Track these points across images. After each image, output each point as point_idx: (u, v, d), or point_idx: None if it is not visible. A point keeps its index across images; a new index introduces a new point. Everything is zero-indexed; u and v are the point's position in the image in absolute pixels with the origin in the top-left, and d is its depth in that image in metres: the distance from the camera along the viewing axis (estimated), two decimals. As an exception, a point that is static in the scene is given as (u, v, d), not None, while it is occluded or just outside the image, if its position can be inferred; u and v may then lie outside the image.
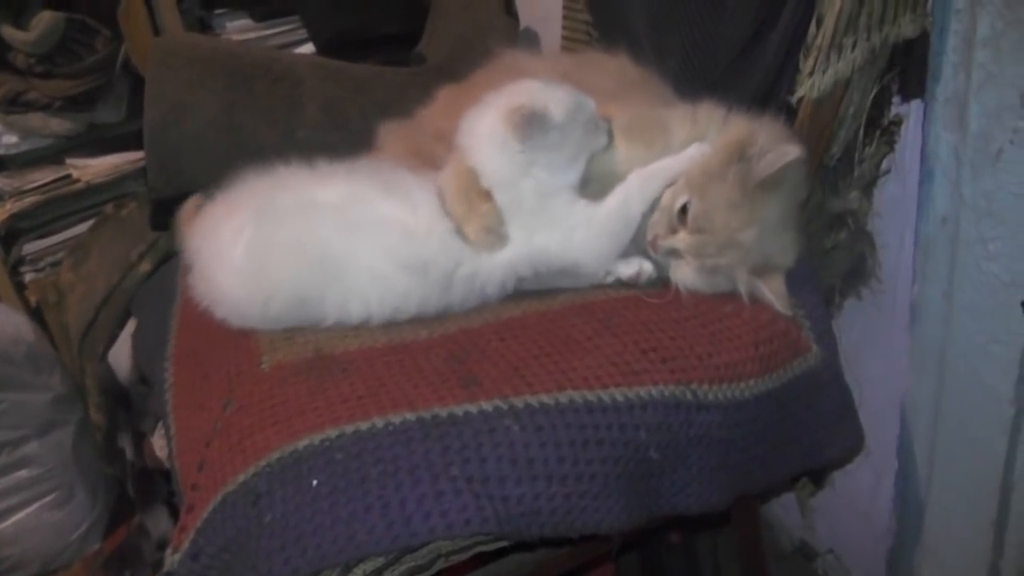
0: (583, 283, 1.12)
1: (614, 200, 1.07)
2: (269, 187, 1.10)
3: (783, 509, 1.67)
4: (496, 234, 1.05)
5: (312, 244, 1.05)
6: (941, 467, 1.23)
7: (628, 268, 1.10)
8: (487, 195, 1.05)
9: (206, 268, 1.10)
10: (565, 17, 1.65)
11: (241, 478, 0.90)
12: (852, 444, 1.16)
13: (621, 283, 1.11)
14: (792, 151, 0.99)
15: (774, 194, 1.03)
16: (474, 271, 1.07)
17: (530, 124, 1.01)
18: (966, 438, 1.17)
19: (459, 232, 1.06)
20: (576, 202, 1.07)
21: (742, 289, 1.06)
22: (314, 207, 1.07)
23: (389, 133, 1.33)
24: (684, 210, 1.05)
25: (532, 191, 1.05)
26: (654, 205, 1.08)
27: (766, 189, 1.02)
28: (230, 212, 1.09)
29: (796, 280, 1.10)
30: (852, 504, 1.48)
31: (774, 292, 1.05)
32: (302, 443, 0.90)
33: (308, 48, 2.10)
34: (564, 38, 1.66)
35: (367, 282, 1.05)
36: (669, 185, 1.07)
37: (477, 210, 1.05)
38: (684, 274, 1.07)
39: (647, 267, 1.10)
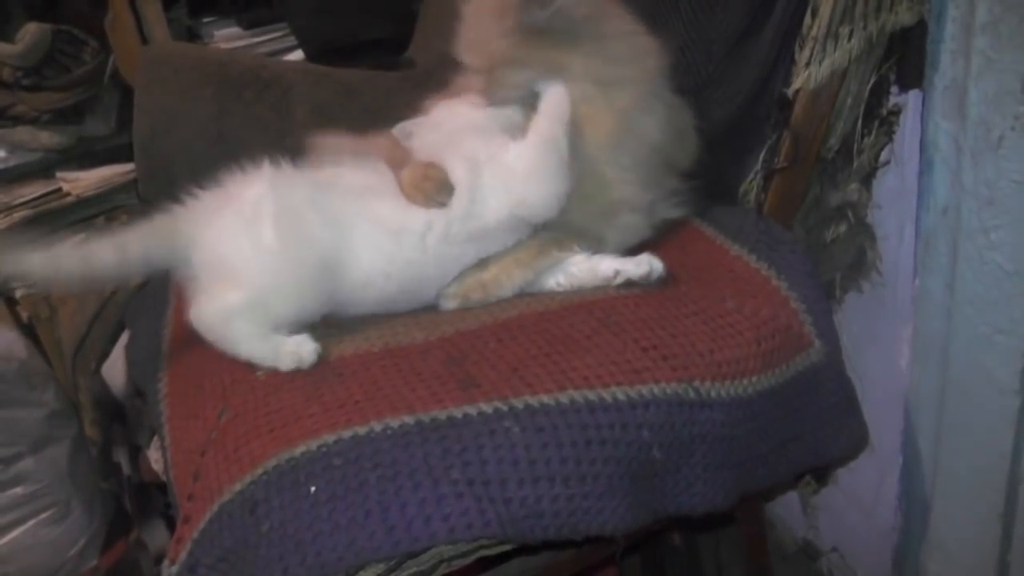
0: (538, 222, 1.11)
1: (532, 129, 1.08)
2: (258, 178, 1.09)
3: (786, 508, 1.66)
4: (440, 182, 1.06)
5: (326, 205, 1.06)
6: (946, 461, 1.22)
7: (638, 267, 1.09)
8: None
9: (228, 255, 1.04)
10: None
11: (237, 487, 0.89)
12: (856, 440, 1.15)
13: (630, 283, 1.09)
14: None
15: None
16: (442, 230, 1.07)
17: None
18: (971, 431, 1.16)
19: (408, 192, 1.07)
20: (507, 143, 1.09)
21: None
22: (311, 178, 1.09)
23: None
24: None
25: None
26: None
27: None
28: (231, 201, 1.07)
29: (797, 274, 1.09)
30: (856, 501, 1.47)
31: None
32: (299, 450, 0.89)
33: (297, 55, 2.09)
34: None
35: (366, 245, 1.06)
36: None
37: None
38: None
39: (657, 265, 1.09)
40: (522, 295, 1.10)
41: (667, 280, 1.10)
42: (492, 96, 1.10)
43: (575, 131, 1.07)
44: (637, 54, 1.10)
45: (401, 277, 1.07)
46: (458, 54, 1.13)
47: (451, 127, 1.12)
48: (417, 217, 1.06)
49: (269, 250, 1.02)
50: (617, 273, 1.09)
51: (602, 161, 1.09)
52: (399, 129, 1.14)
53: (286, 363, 1.00)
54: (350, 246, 1.04)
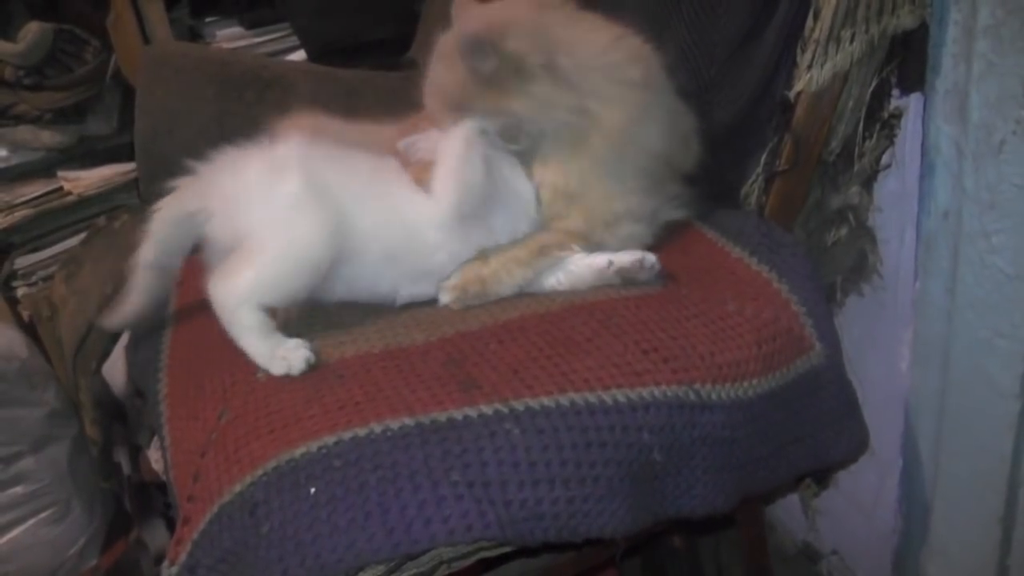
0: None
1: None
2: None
3: (786, 511, 1.65)
4: None
5: (346, 172, 1.08)
6: (946, 464, 1.22)
7: (631, 256, 1.09)
8: None
9: (247, 211, 1.04)
10: (557, 18, 1.63)
11: (237, 488, 0.89)
12: (857, 443, 1.15)
13: (628, 278, 1.10)
14: None
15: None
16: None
17: None
18: (971, 434, 1.16)
19: None
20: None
21: None
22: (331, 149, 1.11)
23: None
24: None
25: None
26: None
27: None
28: (251, 161, 1.07)
29: (798, 277, 1.09)
30: (856, 504, 1.47)
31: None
32: (299, 451, 0.88)
33: (299, 55, 2.09)
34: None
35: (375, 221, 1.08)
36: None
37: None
38: None
39: (650, 256, 1.09)
40: (522, 296, 1.10)
41: (661, 274, 1.10)
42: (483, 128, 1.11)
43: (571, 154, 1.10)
44: (620, 68, 1.10)
45: (403, 260, 1.09)
46: (423, 97, 1.15)
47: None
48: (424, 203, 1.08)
49: (290, 203, 1.02)
50: (610, 263, 1.10)
51: (604, 175, 1.10)
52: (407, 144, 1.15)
53: (277, 367, 1.00)
54: (362, 219, 1.06)
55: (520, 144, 1.11)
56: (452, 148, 1.08)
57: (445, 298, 1.10)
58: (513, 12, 1.10)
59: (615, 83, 1.09)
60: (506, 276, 1.09)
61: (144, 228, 1.08)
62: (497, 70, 1.05)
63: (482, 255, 1.10)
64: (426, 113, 1.16)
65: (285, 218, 1.03)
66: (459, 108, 1.09)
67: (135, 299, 1.11)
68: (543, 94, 1.06)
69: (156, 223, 1.07)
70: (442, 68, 1.12)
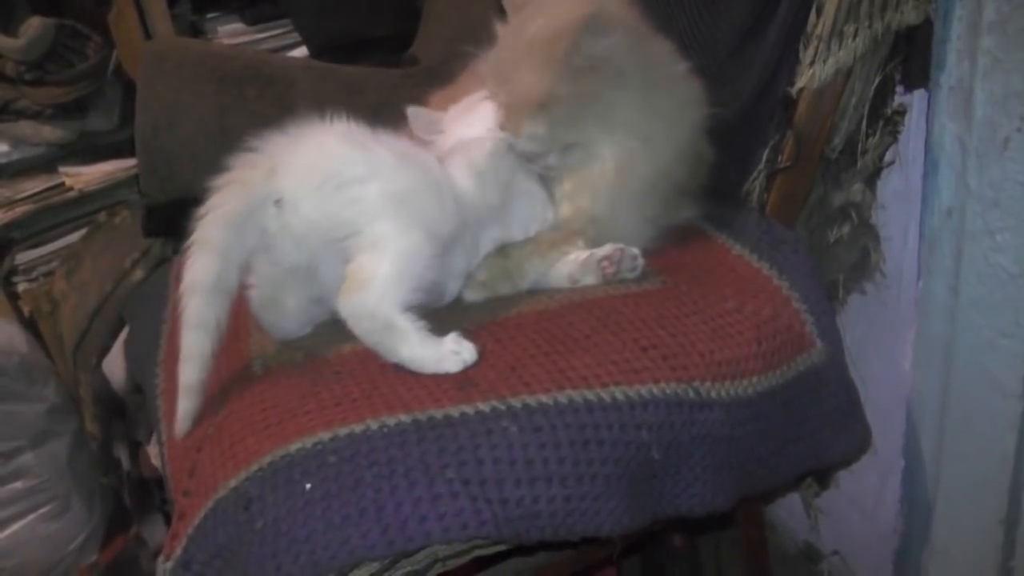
0: None
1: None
2: None
3: (786, 511, 1.65)
4: None
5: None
6: (948, 465, 1.21)
7: (611, 246, 1.09)
8: None
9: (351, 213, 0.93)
10: (560, 15, 1.63)
11: (232, 483, 0.88)
12: (859, 442, 1.14)
13: (603, 268, 1.09)
14: None
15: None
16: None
17: None
18: (974, 435, 1.15)
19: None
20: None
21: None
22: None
23: None
24: None
25: None
26: None
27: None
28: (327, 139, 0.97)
29: (799, 275, 1.08)
30: (857, 504, 1.46)
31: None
32: (294, 447, 0.88)
33: (300, 51, 2.09)
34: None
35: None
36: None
37: None
38: None
39: (632, 250, 1.09)
40: (520, 293, 1.09)
41: (643, 265, 1.10)
42: (512, 145, 1.08)
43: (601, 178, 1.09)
44: (681, 106, 1.09)
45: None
46: (484, 75, 1.12)
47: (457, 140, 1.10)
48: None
49: (403, 196, 0.94)
50: (592, 254, 1.09)
51: (630, 206, 1.11)
52: (413, 113, 1.14)
53: (451, 364, 0.94)
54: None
55: (539, 166, 1.10)
56: (475, 153, 1.06)
57: (473, 295, 1.08)
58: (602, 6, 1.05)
59: (677, 124, 1.09)
60: (529, 268, 1.09)
61: (195, 239, 0.91)
62: (606, 54, 1.01)
63: (501, 250, 1.09)
64: (469, 85, 1.15)
65: (404, 194, 0.94)
66: (537, 110, 1.05)
67: (199, 363, 0.93)
68: (629, 107, 1.05)
69: (217, 225, 0.91)
70: (533, 47, 1.04)
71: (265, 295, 1.01)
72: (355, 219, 0.93)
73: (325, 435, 0.88)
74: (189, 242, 0.91)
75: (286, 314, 1.03)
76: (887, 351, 1.30)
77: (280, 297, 1.01)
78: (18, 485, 1.89)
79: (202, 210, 0.91)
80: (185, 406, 0.94)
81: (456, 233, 1.00)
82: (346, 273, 0.92)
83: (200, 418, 0.97)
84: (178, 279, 1.18)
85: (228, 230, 0.91)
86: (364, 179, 0.94)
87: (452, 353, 0.94)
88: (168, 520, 1.82)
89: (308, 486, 0.85)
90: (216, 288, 0.91)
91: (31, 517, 1.91)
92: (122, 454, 1.92)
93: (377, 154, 0.96)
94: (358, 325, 0.92)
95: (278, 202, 0.93)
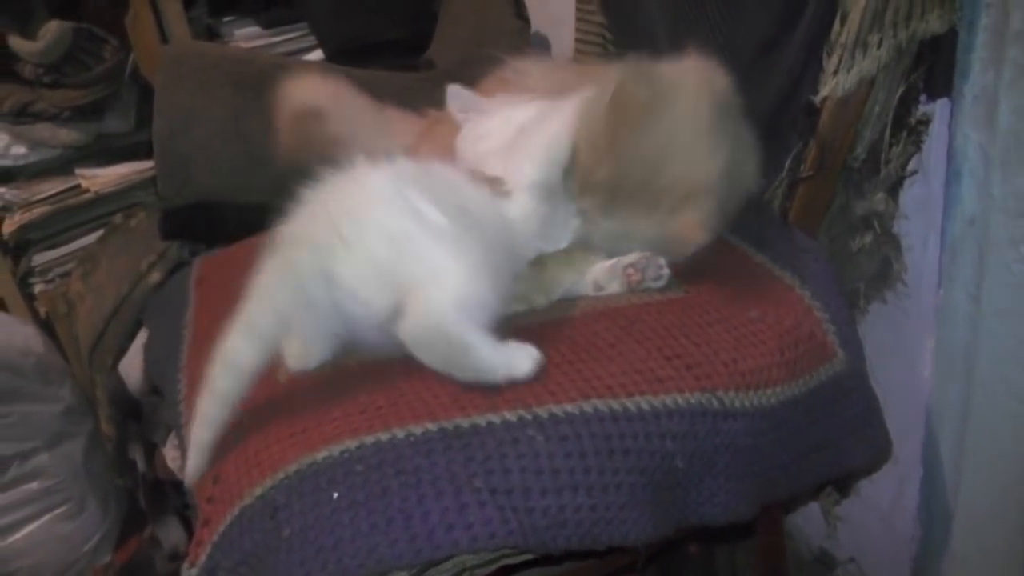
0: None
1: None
2: None
3: (802, 518, 1.64)
4: None
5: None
6: (968, 474, 1.21)
7: (637, 254, 1.09)
8: None
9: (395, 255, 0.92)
10: (578, 20, 1.63)
11: (258, 491, 0.88)
12: (880, 451, 1.14)
13: (629, 275, 1.09)
14: None
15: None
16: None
17: None
18: (994, 443, 1.15)
19: None
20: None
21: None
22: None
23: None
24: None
25: None
26: None
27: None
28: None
29: (821, 284, 1.08)
30: (874, 511, 1.46)
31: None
32: (321, 455, 0.88)
33: (316, 55, 2.09)
34: (577, 41, 1.64)
35: None
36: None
37: None
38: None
39: (659, 258, 1.09)
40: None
41: (668, 275, 1.09)
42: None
43: None
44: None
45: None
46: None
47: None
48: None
49: (443, 230, 0.93)
50: (617, 260, 1.09)
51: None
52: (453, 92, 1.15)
53: (524, 367, 0.92)
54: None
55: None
56: (551, 122, 1.06)
57: (513, 307, 1.06)
58: None
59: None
60: (563, 278, 1.09)
61: (241, 320, 0.90)
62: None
63: (537, 260, 1.08)
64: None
65: (461, 248, 0.93)
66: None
67: (214, 427, 0.92)
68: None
69: (263, 312, 0.91)
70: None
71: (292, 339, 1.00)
72: (412, 281, 0.92)
73: (351, 443, 0.88)
74: (235, 320, 0.90)
75: (309, 352, 1.01)
76: (907, 359, 1.30)
77: (306, 338, 1.00)
78: (33, 486, 1.90)
79: (250, 288, 0.91)
80: (196, 463, 0.93)
81: (509, 258, 1.01)
82: (406, 302, 0.91)
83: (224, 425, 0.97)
84: (199, 283, 1.19)
85: (273, 316, 0.91)
86: (423, 258, 0.92)
87: (523, 354, 0.93)
88: (183, 522, 1.83)
89: (335, 495, 0.85)
90: (248, 371, 0.91)
91: (46, 518, 1.92)
92: (137, 456, 1.93)
93: (432, 222, 0.93)
94: (430, 349, 0.92)
95: (328, 279, 0.92)
